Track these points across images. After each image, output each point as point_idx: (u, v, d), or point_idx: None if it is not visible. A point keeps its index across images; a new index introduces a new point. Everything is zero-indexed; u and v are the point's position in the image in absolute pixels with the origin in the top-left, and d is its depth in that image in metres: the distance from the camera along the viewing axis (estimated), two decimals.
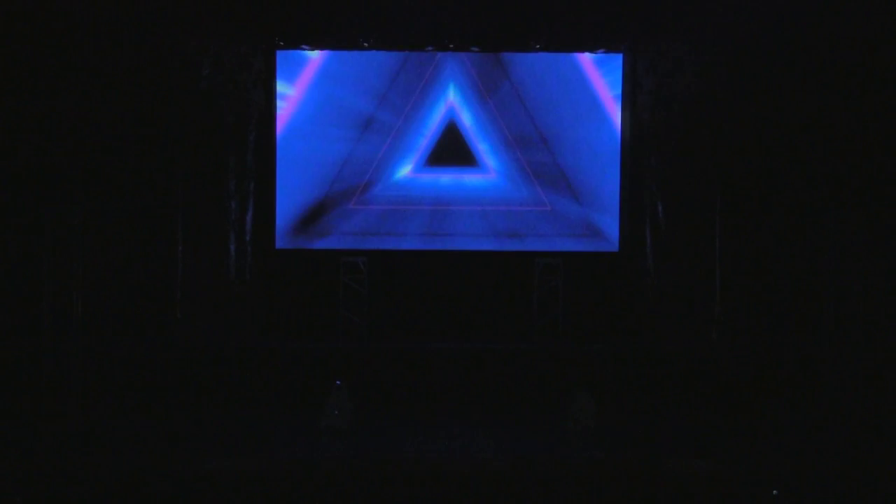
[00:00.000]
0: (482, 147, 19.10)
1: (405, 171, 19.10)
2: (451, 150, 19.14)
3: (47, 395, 16.75)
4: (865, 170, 17.30)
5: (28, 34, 17.05)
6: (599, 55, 19.00)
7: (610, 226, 19.09)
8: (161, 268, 18.10)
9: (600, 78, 19.07)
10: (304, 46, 18.84)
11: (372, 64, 18.97)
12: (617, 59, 19.02)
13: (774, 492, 12.17)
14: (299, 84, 18.96)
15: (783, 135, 17.96)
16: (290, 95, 18.93)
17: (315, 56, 18.91)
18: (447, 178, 19.16)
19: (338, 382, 15.28)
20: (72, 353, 17.11)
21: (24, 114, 17.13)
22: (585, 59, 19.05)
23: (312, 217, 19.02)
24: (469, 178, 19.15)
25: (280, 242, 19.06)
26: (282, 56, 18.87)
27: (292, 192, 18.96)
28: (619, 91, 19.03)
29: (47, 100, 17.20)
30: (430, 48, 18.93)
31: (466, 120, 19.11)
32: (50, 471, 13.03)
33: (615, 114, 19.04)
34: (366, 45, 18.78)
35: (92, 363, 17.05)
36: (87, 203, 17.45)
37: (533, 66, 19.05)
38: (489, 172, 19.15)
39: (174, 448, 14.23)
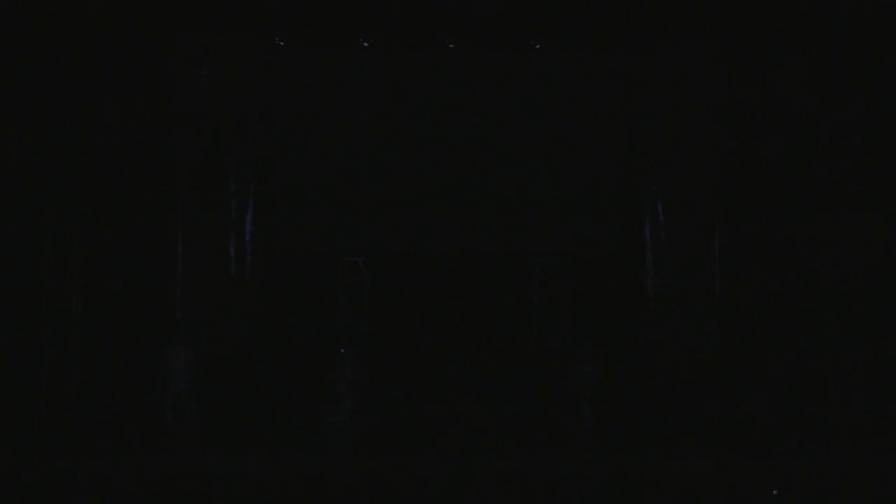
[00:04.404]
0: (482, 146, 19.08)
1: (405, 168, 19.10)
2: (451, 148, 19.12)
3: (47, 394, 16.75)
4: (865, 170, 17.30)
5: (28, 35, 17.05)
6: (599, 56, 18.99)
7: (609, 226, 19.09)
8: (161, 268, 18.09)
9: (600, 78, 19.07)
10: (304, 46, 18.85)
11: (372, 63, 18.97)
12: (617, 61, 19.01)
13: (774, 492, 12.18)
14: (300, 83, 18.97)
15: (783, 135, 17.96)
16: (290, 95, 18.94)
17: (316, 55, 18.93)
18: (446, 178, 19.14)
19: (342, 350, 15.33)
20: (72, 353, 17.12)
21: (24, 114, 17.14)
22: (585, 59, 19.05)
23: (312, 217, 19.00)
24: (471, 176, 19.14)
25: (280, 242, 19.05)
26: (282, 56, 18.88)
27: (292, 191, 18.97)
28: (619, 92, 19.03)
29: (47, 100, 17.19)
30: (429, 48, 18.92)
31: (466, 119, 19.07)
32: (50, 470, 13.02)
33: (615, 114, 19.04)
34: (366, 44, 18.78)
35: (92, 363, 17.10)
36: (86, 203, 17.45)
37: (533, 65, 19.05)
38: (490, 172, 19.12)
39: (174, 447, 14.24)
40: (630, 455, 14.00)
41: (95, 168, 17.58)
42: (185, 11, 17.89)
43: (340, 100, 18.96)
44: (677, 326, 18.40)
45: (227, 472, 13.16)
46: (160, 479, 12.87)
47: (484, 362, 17.96)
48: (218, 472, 13.15)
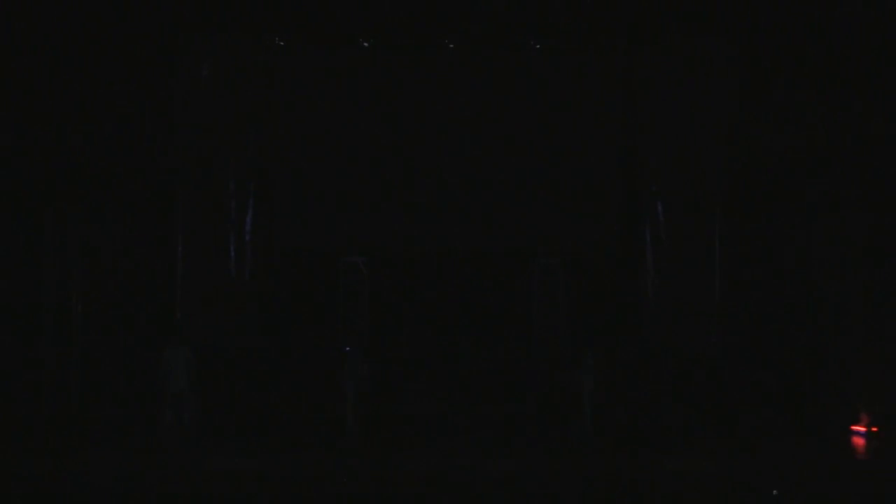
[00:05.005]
0: (482, 146, 19.07)
1: (405, 168, 19.08)
2: (450, 148, 19.11)
3: (47, 394, 16.79)
4: (865, 170, 17.30)
5: (28, 36, 17.06)
6: (599, 56, 18.99)
7: (609, 226, 19.09)
8: (161, 268, 18.11)
9: (600, 78, 19.07)
10: (304, 46, 18.85)
11: (372, 63, 18.96)
12: (617, 61, 19.01)
13: (774, 492, 12.19)
14: (300, 83, 18.99)
15: (783, 135, 17.96)
16: (290, 95, 18.94)
17: (316, 55, 18.95)
18: (446, 178, 19.13)
19: (346, 349, 15.38)
20: (72, 353, 17.15)
21: (25, 114, 17.14)
22: (585, 59, 19.06)
23: (312, 217, 19.00)
24: (471, 176, 19.13)
25: (280, 242, 19.04)
26: (282, 56, 18.88)
27: (292, 191, 18.97)
28: (620, 90, 19.04)
29: (48, 100, 17.20)
30: (429, 48, 18.92)
31: (466, 119, 19.06)
32: (50, 470, 13.04)
33: (615, 114, 19.05)
34: (366, 44, 18.79)
35: (92, 363, 17.14)
36: (87, 203, 17.47)
37: (533, 65, 19.05)
38: (490, 169, 19.11)
39: (174, 447, 14.25)
40: (630, 455, 14.01)
41: (96, 168, 17.59)
42: (186, 12, 17.89)
43: (340, 100, 18.96)
44: (677, 326, 18.41)
45: (227, 472, 13.16)
46: (160, 479, 12.88)
47: (484, 362, 17.96)
48: (218, 472, 13.15)
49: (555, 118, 19.02)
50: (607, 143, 19.08)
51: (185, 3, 17.83)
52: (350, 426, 15.26)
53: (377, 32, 18.65)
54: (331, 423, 15.64)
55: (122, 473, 13.03)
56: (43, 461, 13.43)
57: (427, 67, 19.05)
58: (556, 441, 14.80)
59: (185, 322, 17.94)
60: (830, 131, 17.50)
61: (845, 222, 17.28)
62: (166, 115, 18.11)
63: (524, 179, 19.04)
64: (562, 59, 19.07)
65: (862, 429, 15.25)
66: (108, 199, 17.68)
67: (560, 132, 19.04)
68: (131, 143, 17.86)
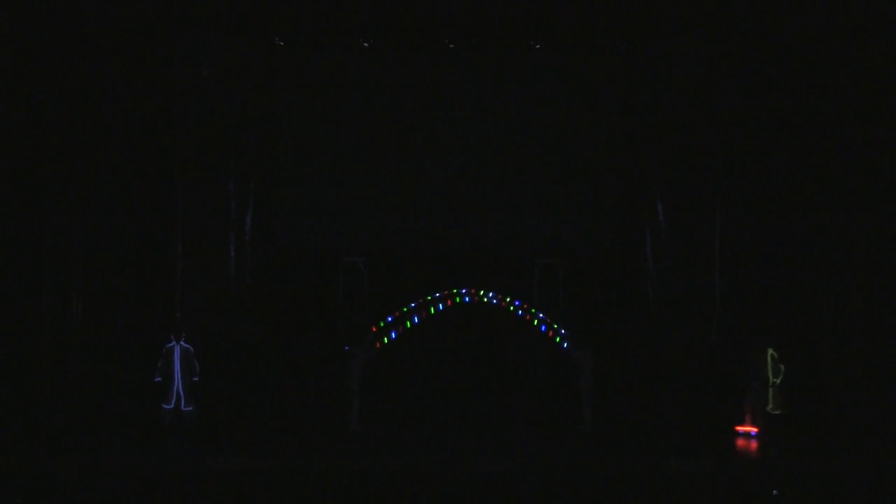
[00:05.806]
0: (482, 145, 19.08)
1: (405, 168, 19.09)
2: (451, 148, 19.13)
3: (47, 394, 16.80)
4: (865, 170, 17.31)
5: (29, 36, 17.07)
6: (599, 55, 19.00)
7: (609, 226, 19.11)
8: (161, 268, 18.12)
9: (600, 78, 19.08)
10: (304, 46, 18.87)
11: (372, 63, 18.98)
12: (617, 61, 19.02)
13: (774, 492, 12.20)
14: (300, 83, 19.00)
15: (783, 135, 17.97)
16: (290, 95, 18.96)
17: (316, 55, 18.96)
18: (446, 178, 19.15)
19: (346, 348, 15.41)
20: (72, 353, 17.15)
21: (25, 114, 17.16)
22: (585, 58, 19.07)
23: (313, 217, 19.01)
24: (471, 176, 19.14)
25: (280, 242, 19.06)
26: (282, 56, 18.89)
27: (293, 191, 19.00)
28: (619, 90, 19.05)
29: (48, 100, 17.22)
30: (429, 48, 18.93)
31: (466, 119, 19.08)
32: (50, 470, 13.05)
33: (615, 114, 19.07)
34: (366, 45, 18.80)
35: (92, 363, 17.15)
36: (86, 204, 17.47)
37: (533, 65, 19.05)
38: (490, 169, 19.12)
39: (174, 447, 14.26)
40: (630, 455, 14.01)
41: (96, 168, 17.61)
42: (186, 11, 17.91)
43: (340, 100, 18.99)
44: (677, 327, 18.42)
45: (227, 472, 13.17)
46: (160, 479, 12.88)
47: (484, 362, 17.97)
48: (218, 472, 13.16)
49: (555, 118, 19.05)
50: (607, 143, 19.11)
51: (186, 2, 17.84)
52: (351, 425, 15.25)
53: (377, 32, 18.67)
54: (331, 423, 15.63)
55: (122, 473, 13.04)
56: (43, 461, 13.43)
57: (427, 67, 19.07)
58: (557, 441, 14.79)
59: (185, 322, 17.92)
60: (830, 132, 17.50)
61: (845, 222, 17.29)
62: (166, 116, 18.12)
63: (524, 179, 19.06)
64: (561, 58, 19.08)
65: (749, 429, 15.24)
66: (108, 199, 17.70)
67: (560, 132, 19.07)
68: (131, 143, 17.87)
